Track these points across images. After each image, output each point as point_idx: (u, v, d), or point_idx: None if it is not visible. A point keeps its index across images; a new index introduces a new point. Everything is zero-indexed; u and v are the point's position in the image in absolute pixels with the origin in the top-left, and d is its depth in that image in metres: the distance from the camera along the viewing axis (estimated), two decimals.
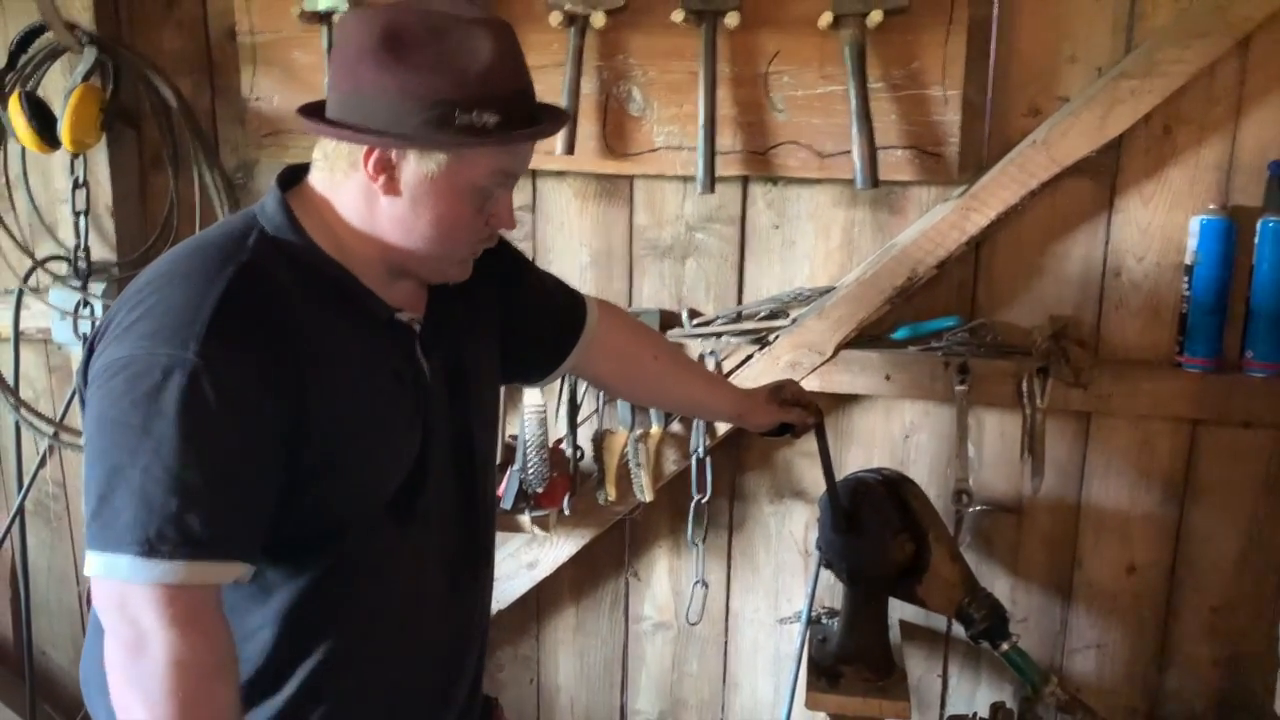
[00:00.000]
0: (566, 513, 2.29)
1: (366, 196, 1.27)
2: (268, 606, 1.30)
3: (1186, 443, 2.12)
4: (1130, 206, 2.06)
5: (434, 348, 1.40)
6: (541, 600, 2.52)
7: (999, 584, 2.26)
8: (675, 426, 2.26)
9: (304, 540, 1.29)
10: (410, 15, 1.22)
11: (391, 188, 1.25)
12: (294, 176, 1.35)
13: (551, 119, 1.34)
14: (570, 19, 2.03)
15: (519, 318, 1.62)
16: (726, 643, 2.46)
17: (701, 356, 2.20)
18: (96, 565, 1.15)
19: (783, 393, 1.92)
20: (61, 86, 2.17)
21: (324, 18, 2.10)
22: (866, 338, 2.15)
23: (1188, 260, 2.02)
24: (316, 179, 1.32)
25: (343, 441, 1.26)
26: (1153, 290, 2.08)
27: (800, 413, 1.91)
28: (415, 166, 1.24)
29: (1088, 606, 2.24)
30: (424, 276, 1.38)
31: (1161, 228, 2.05)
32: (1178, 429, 2.11)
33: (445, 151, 1.23)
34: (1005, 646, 1.86)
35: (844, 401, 2.25)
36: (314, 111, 1.30)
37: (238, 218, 1.33)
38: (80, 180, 2.23)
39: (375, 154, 1.23)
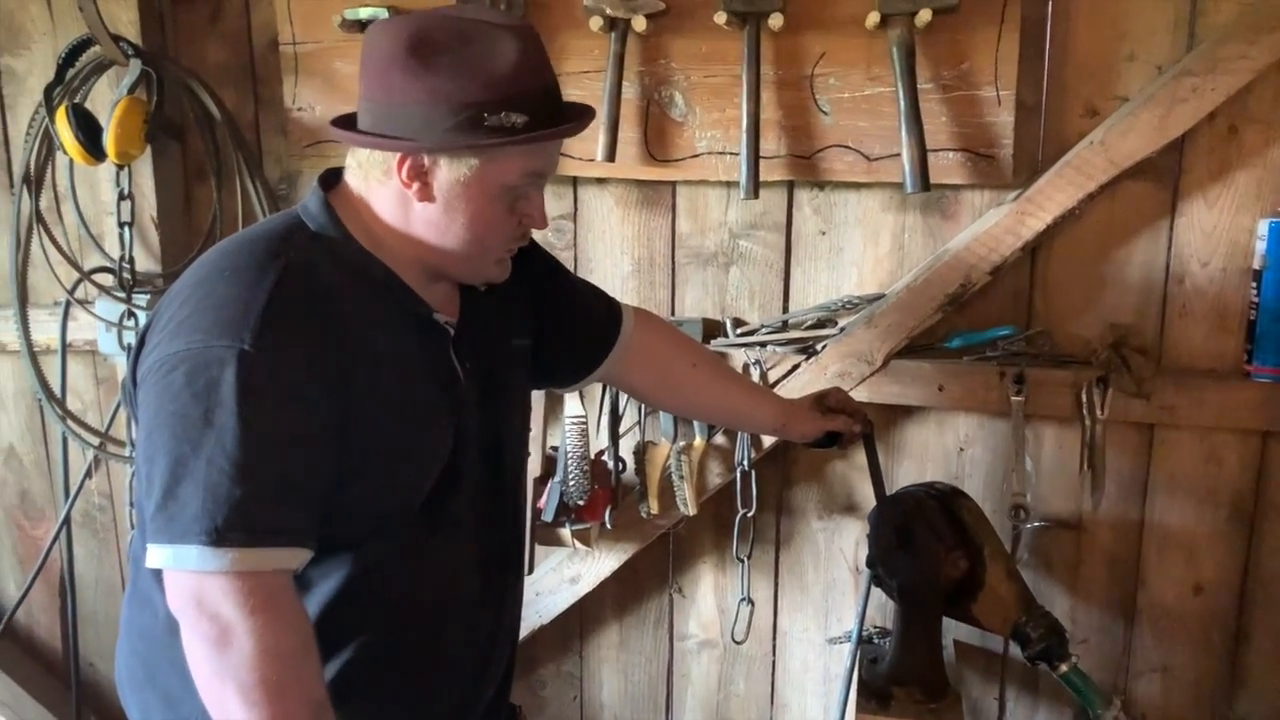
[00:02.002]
0: (609, 526, 2.25)
1: (401, 202, 1.30)
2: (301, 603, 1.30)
3: (1256, 456, 2.02)
4: (1194, 209, 1.97)
5: (467, 351, 1.42)
6: (584, 616, 2.47)
7: (1058, 603, 2.17)
8: (719, 439, 2.21)
9: (339, 538, 1.29)
10: (436, 22, 1.26)
11: (425, 193, 1.28)
12: (334, 178, 1.38)
13: (578, 117, 1.34)
14: (611, 23, 2.00)
15: (552, 323, 1.62)
16: (774, 662, 2.39)
17: (746, 366, 2.15)
18: (164, 557, 1.15)
19: (827, 400, 1.87)
20: (108, 99, 2.18)
21: (364, 26, 2.09)
22: (918, 347, 2.08)
23: (1256, 265, 1.93)
24: (353, 184, 1.35)
25: (383, 438, 1.27)
26: (1218, 296, 1.99)
27: (846, 420, 1.86)
28: (447, 171, 1.27)
29: (1152, 628, 2.15)
30: (462, 277, 1.40)
31: (1227, 231, 1.96)
32: (1246, 442, 2.02)
33: (476, 155, 1.26)
34: (1064, 668, 1.77)
35: (895, 413, 2.18)
36: (347, 122, 1.33)
37: (280, 216, 1.37)
38: (125, 192, 2.24)
39: (408, 162, 1.26)
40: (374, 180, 1.31)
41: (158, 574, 1.30)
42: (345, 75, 2.19)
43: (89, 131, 2.11)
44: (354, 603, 1.33)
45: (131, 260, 2.28)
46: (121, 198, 2.25)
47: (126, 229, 2.26)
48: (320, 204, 1.32)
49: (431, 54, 1.22)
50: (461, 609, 1.46)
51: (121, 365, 2.34)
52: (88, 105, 2.21)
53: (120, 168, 2.22)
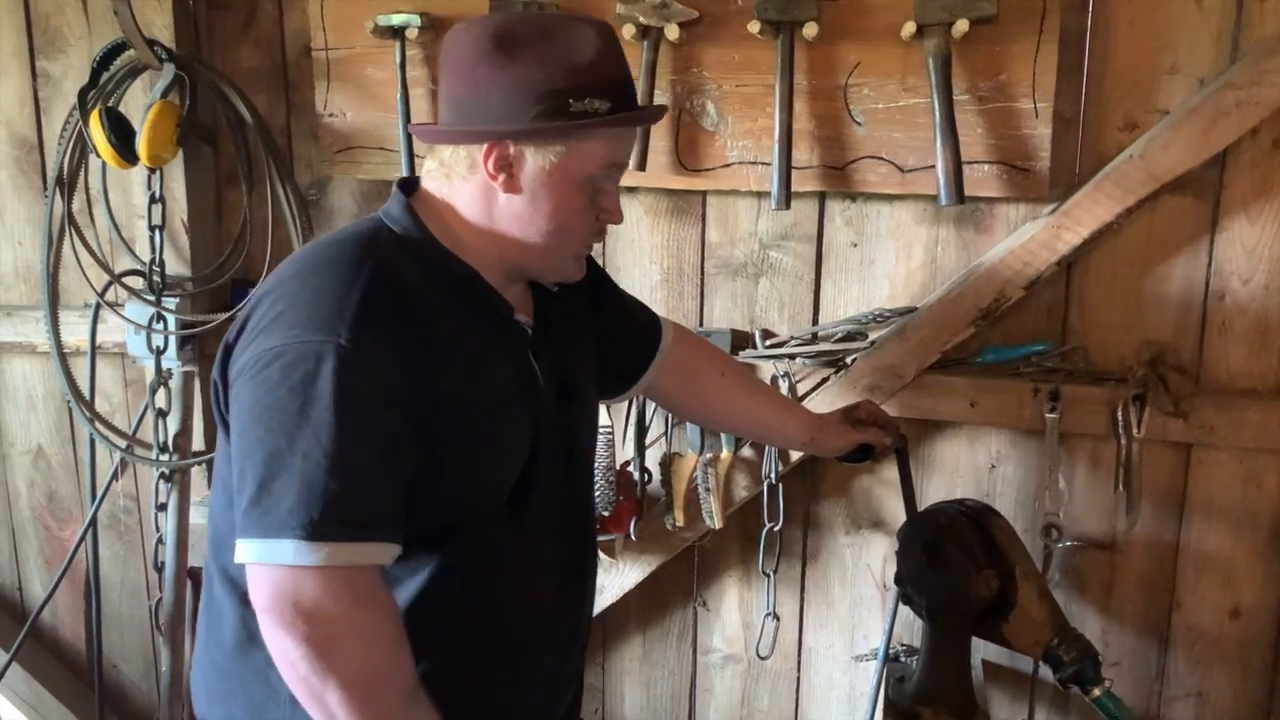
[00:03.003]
0: (634, 538, 2.23)
1: (486, 196, 1.33)
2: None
3: None
4: (1235, 226, 1.93)
5: (544, 352, 1.43)
6: (607, 628, 2.45)
7: (1090, 624, 2.13)
8: (746, 451, 2.18)
9: (424, 538, 1.29)
10: (516, 18, 1.33)
11: (511, 185, 1.30)
12: (412, 185, 1.40)
13: (650, 109, 1.41)
14: (643, 31, 1.99)
15: (605, 333, 1.64)
16: (799, 679, 2.36)
17: (775, 378, 2.13)
18: (256, 551, 1.15)
19: (857, 413, 1.85)
20: (142, 103, 2.20)
21: (397, 33, 2.10)
22: (950, 361, 2.05)
23: None
24: (432, 186, 1.37)
25: (468, 436, 1.28)
26: (1260, 315, 1.94)
27: (877, 432, 1.84)
28: (533, 160, 1.29)
29: (1188, 652, 2.10)
30: (543, 274, 1.42)
31: (1270, 248, 1.92)
32: None
33: (561, 140, 1.29)
34: (1097, 692, 1.74)
35: (926, 428, 2.15)
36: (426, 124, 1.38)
37: (362, 221, 1.38)
38: (156, 195, 2.25)
39: (495, 153, 1.28)
40: (458, 178, 1.33)
41: (234, 583, 1.33)
42: (377, 81, 2.19)
43: (122, 134, 2.13)
44: (438, 604, 1.33)
45: (162, 264, 2.29)
46: (153, 201, 2.26)
47: (157, 232, 2.27)
48: (402, 207, 1.34)
49: (516, 46, 1.26)
50: (542, 609, 1.47)
51: (149, 368, 2.35)
52: (121, 109, 2.22)
53: (152, 171, 2.23)
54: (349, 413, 1.15)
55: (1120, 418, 1.93)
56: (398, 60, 2.11)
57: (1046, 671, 1.85)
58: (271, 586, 1.14)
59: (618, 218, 1.41)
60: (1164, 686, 2.12)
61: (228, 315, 2.31)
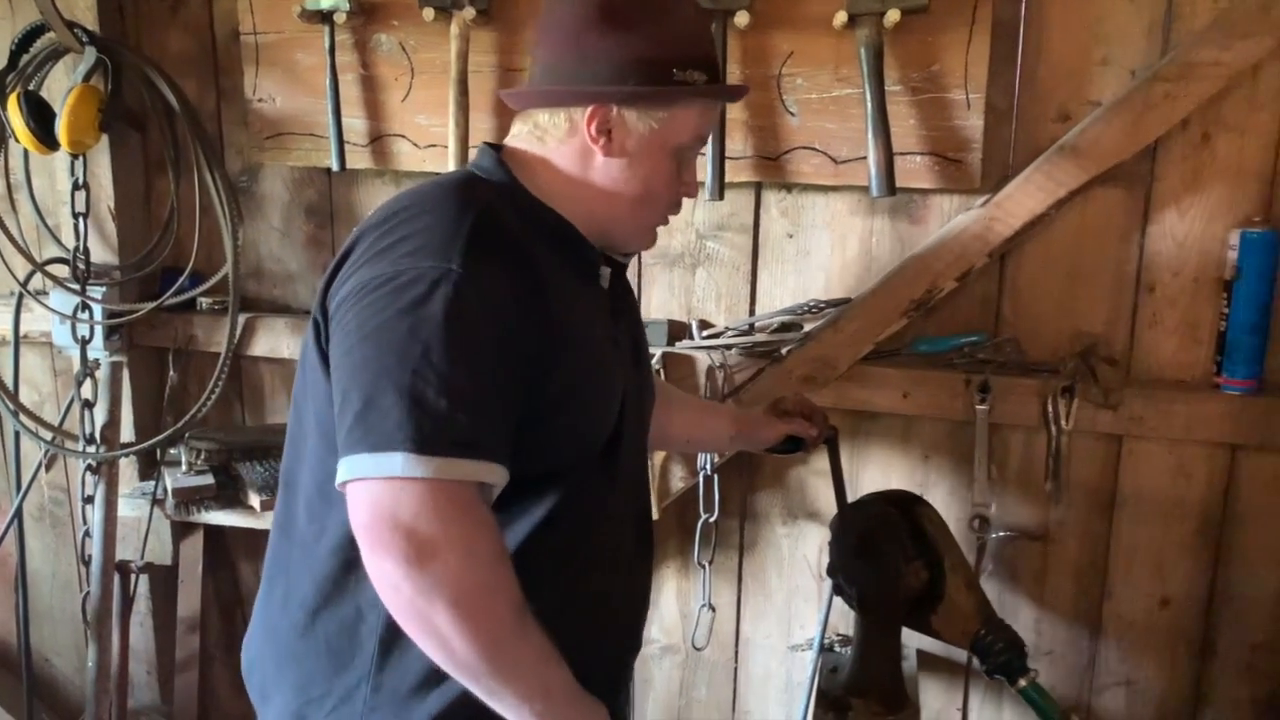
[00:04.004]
0: None
1: (583, 158, 1.35)
2: None
3: (1225, 469, 1.99)
4: (1166, 218, 1.94)
5: (620, 314, 1.47)
6: None
7: (1023, 614, 2.14)
8: None
9: (526, 486, 1.27)
10: None
11: (610, 148, 1.33)
12: (495, 150, 1.41)
13: (737, 85, 1.48)
14: None
15: None
16: (736, 669, 2.36)
17: (711, 369, 2.12)
18: (363, 466, 1.12)
19: (783, 404, 1.84)
20: (66, 87, 2.14)
21: (325, 17, 2.06)
22: (884, 352, 2.05)
23: (1227, 275, 1.90)
24: (524, 147, 1.38)
25: (576, 377, 1.28)
26: (1189, 307, 1.96)
27: (803, 424, 1.83)
28: (635, 125, 1.33)
29: (1118, 641, 2.12)
30: (622, 239, 1.43)
31: (1199, 241, 1.93)
32: (1215, 454, 1.99)
33: (664, 106, 1.32)
34: (1023, 682, 1.74)
35: (860, 419, 2.15)
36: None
37: (456, 174, 1.39)
38: (80, 182, 2.20)
39: (599, 115, 1.31)
40: (553, 140, 1.35)
41: (325, 529, 1.30)
42: (306, 66, 2.15)
43: (41, 119, 2.07)
44: (538, 552, 1.30)
45: (86, 251, 2.24)
46: (76, 187, 2.20)
47: (81, 219, 2.21)
48: (494, 161, 1.36)
49: (621, 15, 1.30)
50: (625, 563, 1.48)
51: (76, 357, 2.30)
52: (44, 93, 2.16)
53: (75, 157, 2.17)
54: (461, 335, 1.15)
55: (1050, 409, 1.93)
56: (327, 45, 2.08)
57: None
58: (373, 504, 1.11)
59: (695, 190, 1.45)
60: (1095, 675, 2.14)
61: (156, 304, 2.26)
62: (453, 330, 1.14)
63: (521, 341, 1.20)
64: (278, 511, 1.42)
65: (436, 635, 1.13)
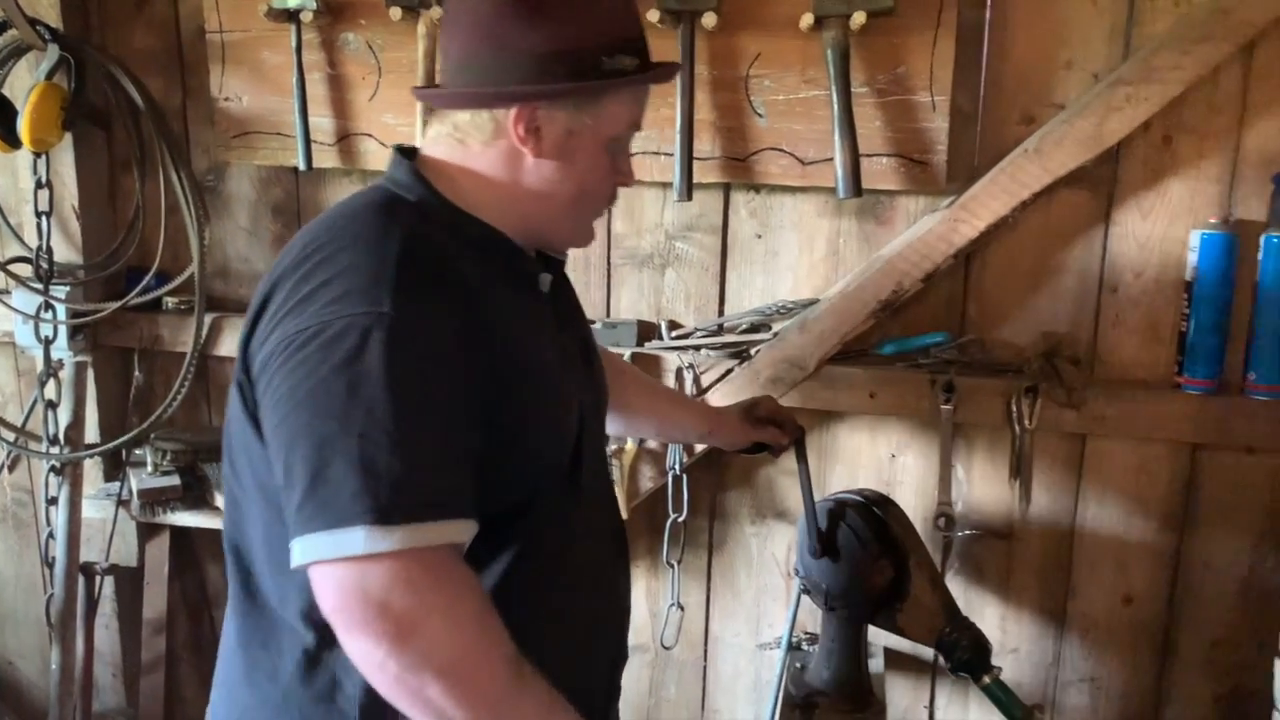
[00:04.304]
0: None
1: (511, 161, 1.25)
2: None
3: (1186, 468, 2.02)
4: (1128, 219, 1.97)
5: (564, 317, 1.39)
6: None
7: (989, 612, 2.16)
8: (651, 443, 2.18)
9: (493, 524, 1.19)
10: None
11: (540, 148, 1.24)
12: (407, 155, 1.30)
13: (668, 65, 1.33)
14: None
15: None
16: (705, 668, 2.37)
17: (680, 370, 2.12)
18: (323, 547, 1.03)
19: (757, 410, 1.84)
20: (28, 85, 2.12)
21: (292, 16, 2.05)
22: (851, 353, 2.06)
23: (1188, 276, 1.92)
24: (442, 152, 1.28)
25: (531, 401, 1.22)
26: (1151, 307, 1.98)
27: (775, 432, 1.84)
28: (565, 121, 1.23)
29: (1082, 638, 2.14)
30: (559, 240, 1.37)
31: (1161, 242, 1.96)
32: (1177, 453, 2.02)
33: (595, 100, 1.23)
34: (987, 680, 1.76)
35: (828, 419, 2.16)
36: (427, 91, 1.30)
37: (367, 193, 1.27)
38: (43, 180, 2.18)
39: (525, 116, 1.21)
40: (476, 143, 1.25)
41: (286, 599, 1.20)
42: (273, 65, 2.14)
43: (3, 118, 2.05)
44: (514, 593, 1.23)
45: (50, 250, 2.22)
46: (39, 186, 2.18)
47: (44, 218, 2.19)
48: (410, 173, 1.25)
49: (543, 1, 1.19)
50: (603, 584, 1.44)
51: (39, 357, 2.28)
52: (5, 91, 2.14)
53: (37, 155, 2.15)
54: (405, 385, 1.06)
55: (1014, 409, 1.95)
56: (294, 44, 2.06)
57: None
58: (339, 586, 1.03)
59: (632, 179, 1.37)
60: (1059, 672, 2.17)
61: (120, 304, 2.24)
62: (395, 381, 1.06)
63: (469, 378, 1.13)
64: (231, 579, 1.30)
65: (432, 708, 1.05)
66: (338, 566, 1.02)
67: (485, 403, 1.14)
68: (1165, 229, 1.95)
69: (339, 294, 1.10)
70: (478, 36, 1.21)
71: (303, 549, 1.04)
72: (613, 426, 2.02)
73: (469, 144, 1.25)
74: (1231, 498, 2.01)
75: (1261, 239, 1.87)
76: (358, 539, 1.01)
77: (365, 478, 1.02)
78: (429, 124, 1.30)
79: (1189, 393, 1.94)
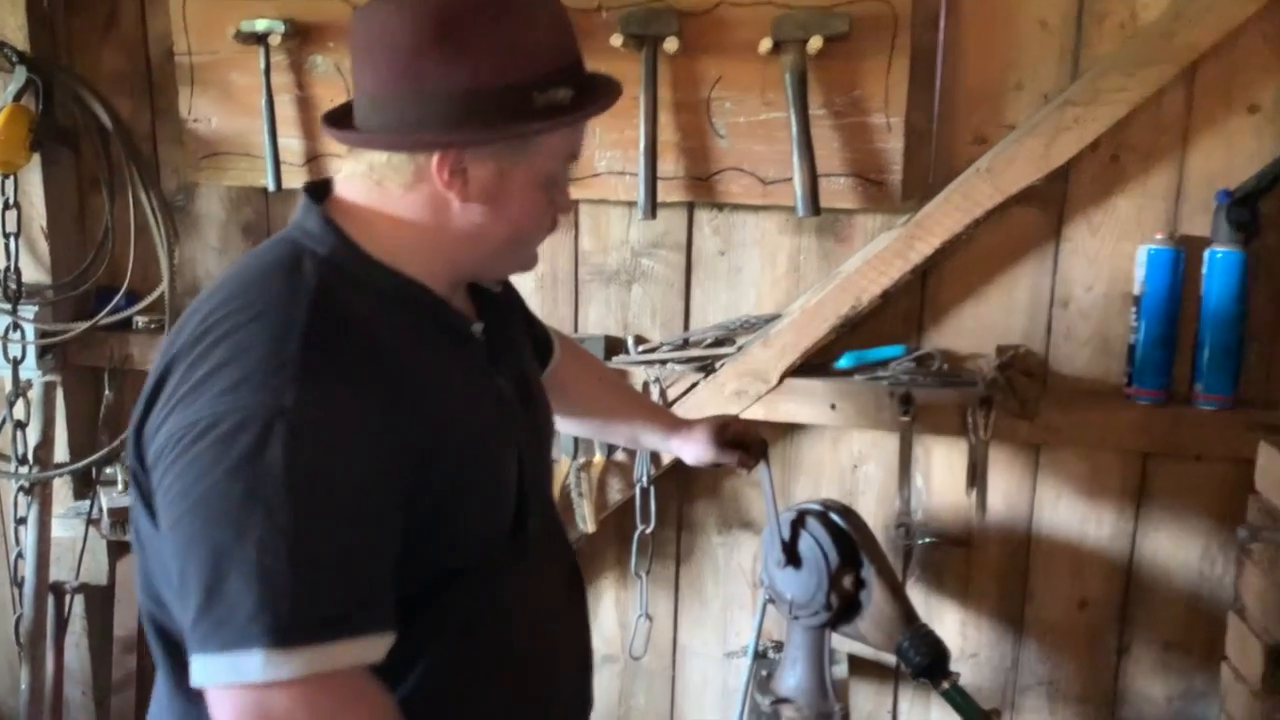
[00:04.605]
0: None
1: (434, 206, 1.14)
2: (399, 682, 1.09)
3: (1137, 476, 2.08)
4: (1078, 235, 2.03)
5: (501, 360, 1.28)
6: None
7: (949, 618, 2.21)
8: (619, 455, 2.22)
9: (432, 592, 1.13)
10: None
11: (466, 193, 1.13)
12: (320, 191, 1.21)
13: (606, 84, 1.23)
14: None
15: (528, 325, 1.54)
16: (674, 677, 2.40)
17: (646, 384, 2.16)
18: (219, 671, 0.94)
19: (726, 433, 1.82)
20: None
21: (261, 38, 2.07)
22: (813, 366, 2.11)
23: (1136, 290, 1.99)
24: (355, 191, 1.17)
25: (466, 470, 1.14)
26: (1101, 320, 2.05)
27: (741, 455, 1.81)
28: (493, 164, 1.13)
29: (1040, 642, 2.20)
30: (497, 276, 1.30)
31: (1110, 257, 2.02)
32: (1128, 462, 2.08)
33: (527, 140, 1.13)
34: (945, 685, 1.81)
35: (791, 431, 2.21)
36: (341, 120, 1.17)
37: (275, 245, 1.16)
38: (10, 201, 2.19)
39: (449, 161, 1.11)
40: (395, 186, 1.13)
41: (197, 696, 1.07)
42: (242, 87, 2.16)
43: None
44: (456, 668, 1.17)
45: (18, 271, 2.23)
46: (7, 207, 2.20)
47: (12, 239, 2.20)
48: (321, 222, 1.13)
49: (463, 30, 1.07)
50: (559, 637, 1.38)
51: (5, 378, 2.28)
52: None
53: (5, 177, 2.16)
54: (308, 487, 0.97)
55: (970, 420, 2.01)
56: (262, 66, 2.09)
57: None
58: (238, 711, 0.94)
59: (569, 207, 1.28)
60: (1018, 675, 2.22)
61: (90, 323, 2.26)
62: (297, 483, 0.96)
63: (385, 466, 1.03)
64: (157, 657, 1.20)
65: None
66: (235, 693, 0.95)
67: (407, 486, 1.06)
68: (1114, 245, 2.02)
69: (235, 380, 0.99)
70: (395, 72, 1.10)
71: (200, 669, 0.95)
72: (580, 429, 2.06)
73: (387, 187, 1.14)
74: (1181, 504, 2.07)
75: (1206, 254, 1.93)
76: (255, 664, 0.92)
77: (264, 593, 0.93)
78: (344, 159, 1.19)
79: (1139, 403, 2.00)
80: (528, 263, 1.30)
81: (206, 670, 0.95)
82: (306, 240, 1.13)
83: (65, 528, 2.37)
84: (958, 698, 1.82)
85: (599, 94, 1.20)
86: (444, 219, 1.15)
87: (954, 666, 1.85)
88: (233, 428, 0.97)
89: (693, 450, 1.84)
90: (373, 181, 1.15)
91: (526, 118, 1.11)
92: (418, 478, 1.06)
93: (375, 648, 1.00)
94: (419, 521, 1.07)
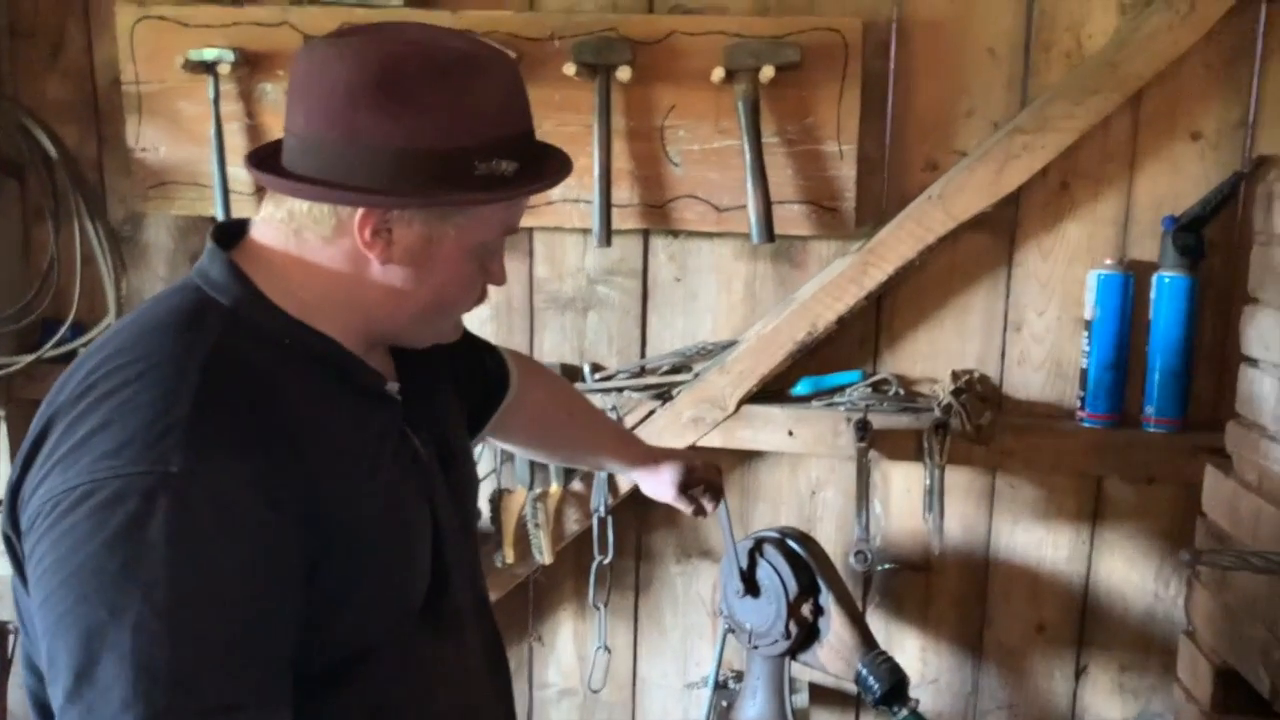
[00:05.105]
0: None
1: (353, 263, 1.07)
2: None
3: (1092, 499, 2.10)
4: (1029, 260, 2.05)
5: (419, 420, 1.20)
6: None
7: (909, 644, 2.21)
8: (576, 485, 2.20)
9: (334, 675, 1.06)
10: (409, 49, 1.03)
11: (389, 254, 1.06)
12: (231, 232, 1.12)
13: (556, 159, 1.17)
14: None
15: (458, 380, 1.41)
16: (634, 709, 2.38)
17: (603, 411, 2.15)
18: None
19: (691, 477, 1.75)
20: None
21: (209, 67, 2.05)
22: (770, 392, 2.11)
23: (1087, 315, 2.01)
24: (273, 238, 1.08)
25: (366, 546, 1.05)
26: (1054, 345, 2.07)
27: (698, 507, 1.77)
28: (422, 229, 1.05)
29: (999, 666, 2.20)
30: (414, 342, 1.20)
31: (1061, 282, 2.05)
32: (1083, 485, 2.10)
33: (462, 211, 1.06)
34: (904, 712, 1.80)
35: (750, 457, 2.20)
36: (267, 161, 1.09)
37: (176, 293, 1.08)
38: None
39: (374, 219, 1.03)
40: (313, 237, 1.06)
41: None
42: (190, 116, 2.14)
43: None
44: None
45: None
46: None
47: None
48: (226, 270, 1.06)
49: (406, 88, 1.00)
50: (484, 706, 1.30)
51: None
52: None
53: None
54: (193, 563, 0.89)
55: (926, 445, 2.01)
56: (211, 95, 2.07)
57: None
58: None
59: (502, 280, 1.19)
60: (978, 700, 2.22)
61: (35, 356, 2.21)
62: (180, 559, 0.89)
63: (283, 537, 0.96)
64: None
65: None
66: None
67: (306, 558, 0.98)
68: (1065, 269, 2.04)
69: (118, 443, 0.92)
70: (328, 118, 1.02)
71: None
72: (545, 458, 2.04)
73: (305, 236, 1.06)
74: (1134, 527, 2.09)
75: (1154, 278, 1.96)
76: None
77: (139, 680, 0.86)
78: (263, 201, 1.11)
79: (1091, 427, 2.01)
80: (447, 333, 1.22)
81: None
82: (209, 289, 1.06)
83: (9, 565, 2.30)
84: None
85: (546, 169, 1.14)
86: (363, 276, 1.08)
87: (914, 692, 1.84)
88: (111, 496, 0.89)
89: (653, 486, 1.79)
90: (291, 230, 1.07)
91: (463, 187, 1.04)
92: (318, 548, 0.99)
93: None
94: (321, 595, 1.00)
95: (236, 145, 2.13)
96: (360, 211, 1.03)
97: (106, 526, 0.89)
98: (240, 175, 2.15)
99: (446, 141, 1.02)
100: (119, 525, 0.89)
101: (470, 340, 1.49)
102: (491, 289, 1.19)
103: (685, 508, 1.77)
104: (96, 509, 0.89)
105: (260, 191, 2.14)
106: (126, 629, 0.87)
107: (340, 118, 1.01)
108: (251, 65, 2.09)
